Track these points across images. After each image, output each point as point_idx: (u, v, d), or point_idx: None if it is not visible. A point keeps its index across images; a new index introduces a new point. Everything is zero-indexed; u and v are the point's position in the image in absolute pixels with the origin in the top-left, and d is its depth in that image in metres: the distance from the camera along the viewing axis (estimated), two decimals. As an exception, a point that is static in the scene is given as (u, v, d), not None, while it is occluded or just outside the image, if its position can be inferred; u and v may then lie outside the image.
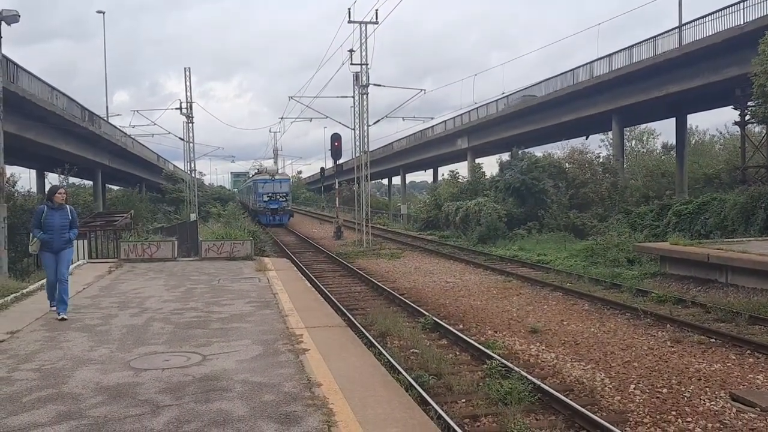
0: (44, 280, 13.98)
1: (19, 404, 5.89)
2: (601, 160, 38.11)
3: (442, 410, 7.49)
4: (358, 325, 12.39)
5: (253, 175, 62.93)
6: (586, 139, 46.07)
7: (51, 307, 10.14)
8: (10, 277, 16.02)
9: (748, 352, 10.37)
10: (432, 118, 45.55)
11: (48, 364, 7.24)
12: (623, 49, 33.82)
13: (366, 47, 31.88)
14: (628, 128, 50.94)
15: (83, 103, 39.27)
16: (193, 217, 38.61)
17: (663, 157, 54.02)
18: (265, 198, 48.61)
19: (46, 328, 9.25)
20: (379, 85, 40.89)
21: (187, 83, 43.04)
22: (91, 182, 51.25)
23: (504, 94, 43.76)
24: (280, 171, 60.38)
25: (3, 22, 17.82)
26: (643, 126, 56.73)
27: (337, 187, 48.05)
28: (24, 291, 12.39)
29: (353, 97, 34.44)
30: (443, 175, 63.29)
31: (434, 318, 13.04)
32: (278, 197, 49.03)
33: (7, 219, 19.21)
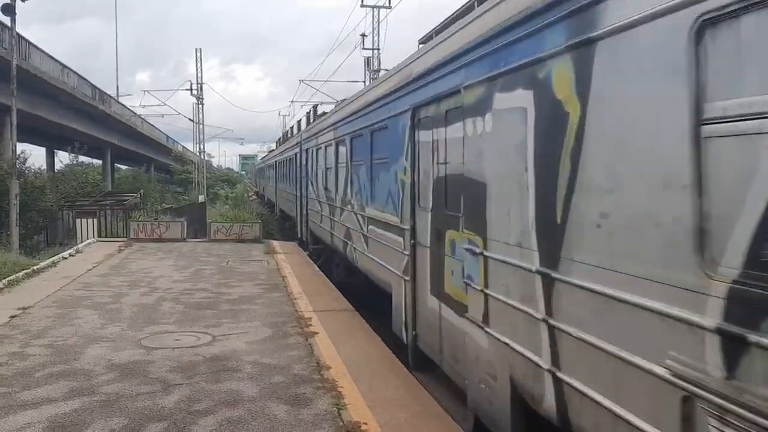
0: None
1: (32, 379, 5.97)
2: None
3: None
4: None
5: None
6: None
7: None
8: (21, 254, 16.17)
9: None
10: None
11: (60, 341, 7.32)
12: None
13: (378, 32, 31.70)
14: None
15: (108, 81, 39.44)
16: (201, 198, 38.67)
17: None
18: None
19: (58, 305, 9.35)
20: (391, 70, 40.59)
21: (198, 64, 43.00)
22: (100, 161, 51.41)
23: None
24: None
25: (17, -1, 17.85)
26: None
27: None
28: (35, 268, 12.50)
29: (364, 82, 34.30)
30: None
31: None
32: None
33: (19, 196, 19.36)
